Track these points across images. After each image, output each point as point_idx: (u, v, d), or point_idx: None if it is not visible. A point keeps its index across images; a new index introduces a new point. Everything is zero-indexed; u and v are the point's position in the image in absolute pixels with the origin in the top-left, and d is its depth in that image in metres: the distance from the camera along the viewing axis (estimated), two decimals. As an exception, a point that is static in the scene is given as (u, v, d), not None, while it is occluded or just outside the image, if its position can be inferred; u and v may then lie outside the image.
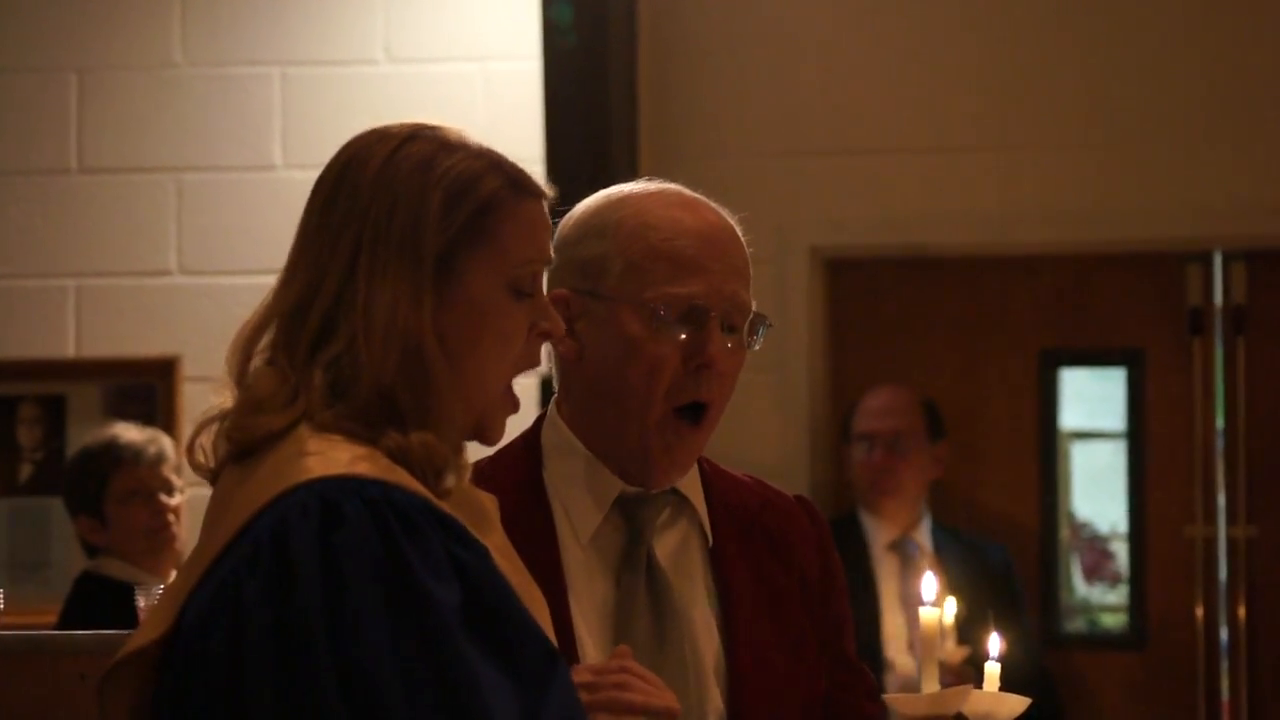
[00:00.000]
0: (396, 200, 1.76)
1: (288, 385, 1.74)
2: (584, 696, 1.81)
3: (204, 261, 4.91)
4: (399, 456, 1.72)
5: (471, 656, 1.63)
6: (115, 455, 4.11)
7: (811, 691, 2.18)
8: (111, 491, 4.08)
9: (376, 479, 1.69)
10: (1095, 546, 5.10)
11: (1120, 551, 5.07)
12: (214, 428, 1.77)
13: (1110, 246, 5.00)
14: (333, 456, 1.70)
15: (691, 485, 2.20)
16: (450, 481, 1.76)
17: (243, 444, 1.74)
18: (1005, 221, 4.95)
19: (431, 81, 4.86)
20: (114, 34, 4.95)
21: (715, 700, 2.12)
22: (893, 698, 2.09)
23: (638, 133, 4.89)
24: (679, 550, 2.17)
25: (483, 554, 1.71)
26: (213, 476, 1.78)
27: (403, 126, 1.82)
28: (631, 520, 2.15)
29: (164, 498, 4.10)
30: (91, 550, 4.14)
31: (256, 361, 1.77)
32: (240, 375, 1.77)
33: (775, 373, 4.94)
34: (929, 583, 2.11)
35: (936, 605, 2.07)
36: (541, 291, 1.84)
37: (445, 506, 1.73)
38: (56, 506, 4.62)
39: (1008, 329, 5.07)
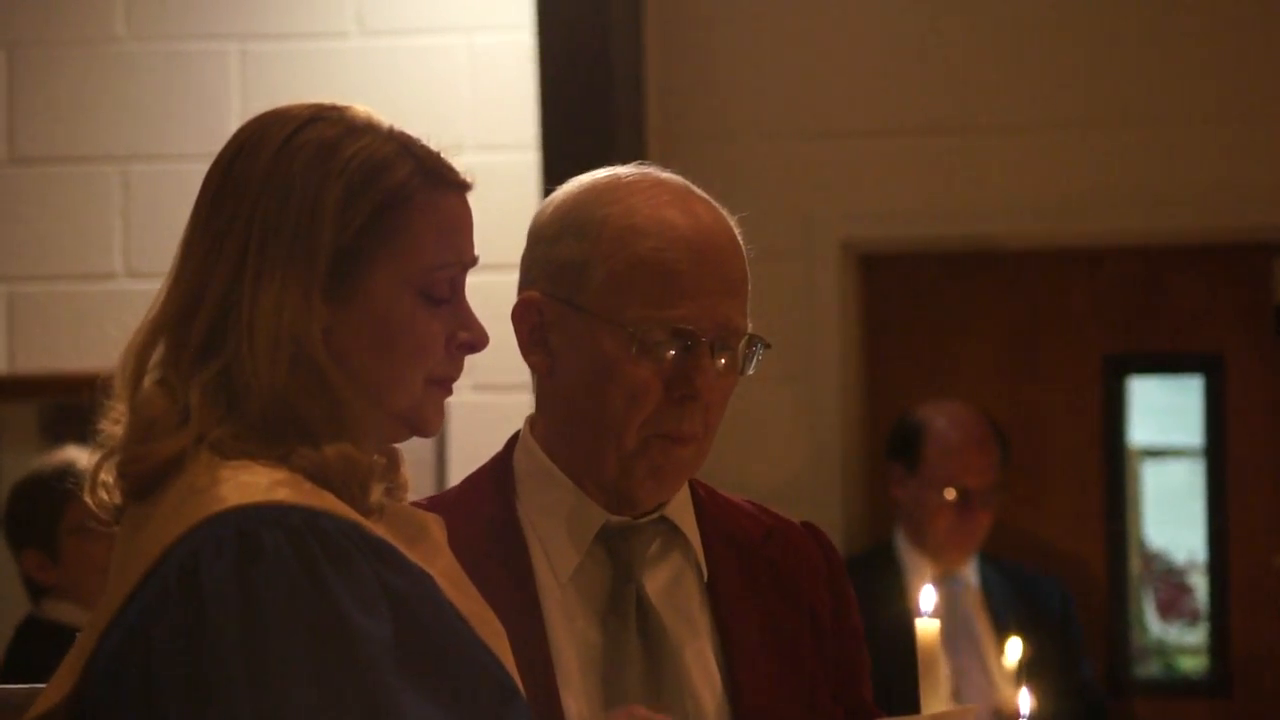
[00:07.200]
0: (290, 191, 1.76)
1: (178, 406, 1.75)
2: None
3: (153, 263, 4.89)
4: (317, 475, 1.73)
5: (405, 697, 1.65)
6: (73, 482, 4.08)
7: None
8: (67, 523, 4.06)
9: (299, 505, 1.70)
10: (1170, 579, 5.08)
11: (1199, 585, 5.06)
12: (113, 461, 1.78)
13: (1184, 237, 4.99)
14: (249, 482, 1.71)
15: (683, 513, 2.19)
16: (378, 494, 1.78)
17: (138, 477, 1.76)
18: (1064, 210, 4.94)
19: (410, 56, 4.86)
20: (48, 4, 4.94)
21: None
22: None
23: (644, 112, 4.88)
24: (672, 587, 2.17)
25: (422, 581, 1.73)
26: (117, 515, 1.80)
27: (303, 107, 1.82)
28: (617, 555, 2.15)
29: None
30: (37, 591, 4.12)
31: (148, 379, 1.78)
32: (132, 397, 1.78)
33: (802, 382, 4.93)
34: (927, 594, 2.12)
35: (935, 616, 2.10)
36: (463, 295, 1.84)
37: (380, 529, 1.75)
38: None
39: (1067, 332, 5.06)
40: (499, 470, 2.20)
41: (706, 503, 2.22)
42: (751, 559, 2.20)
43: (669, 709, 2.09)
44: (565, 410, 2.15)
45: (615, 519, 2.15)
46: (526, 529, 2.15)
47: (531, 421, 2.20)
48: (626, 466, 2.12)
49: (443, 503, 2.12)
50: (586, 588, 2.14)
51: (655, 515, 2.17)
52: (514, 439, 2.21)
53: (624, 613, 2.12)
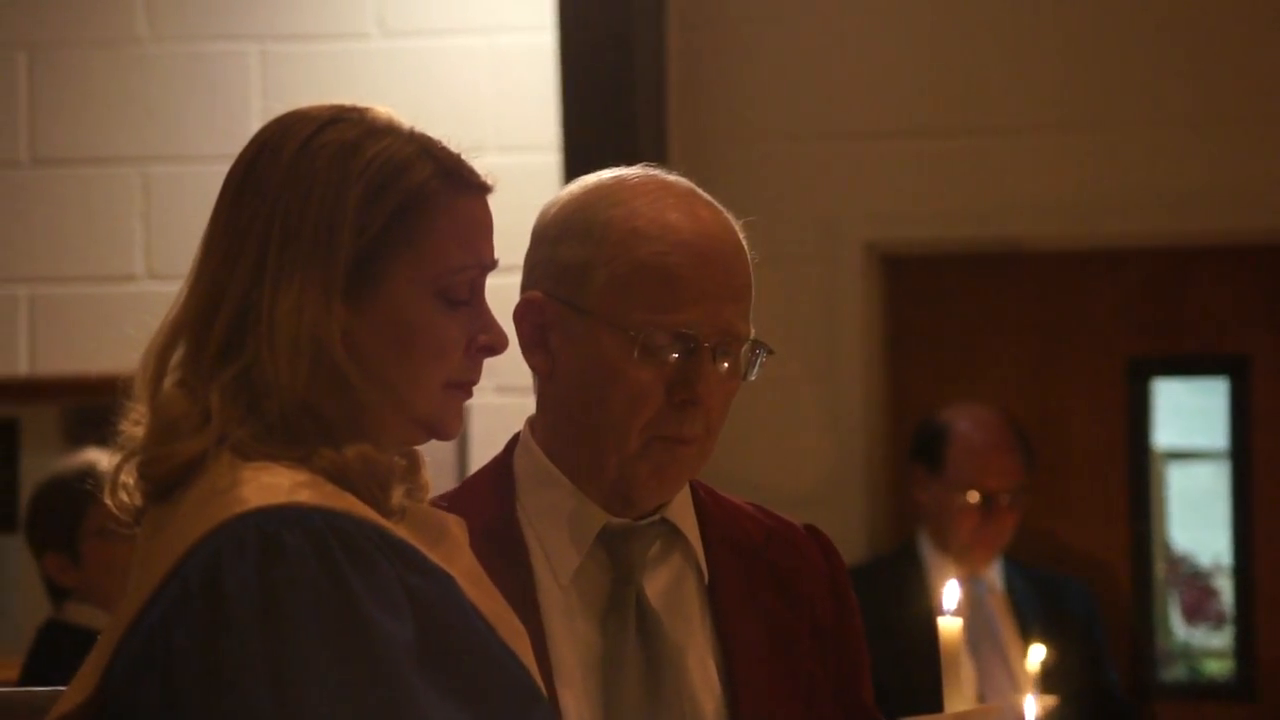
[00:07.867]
0: (310, 192, 1.77)
1: (198, 407, 1.76)
2: None
3: (174, 265, 4.90)
4: (338, 476, 1.74)
5: (426, 697, 1.66)
6: (94, 484, 4.09)
7: None
8: (88, 525, 4.07)
9: (320, 506, 1.71)
10: (1196, 583, 5.07)
11: (1225, 588, 5.04)
12: (134, 462, 1.79)
13: (1210, 238, 4.97)
14: (270, 484, 1.72)
15: (684, 514, 2.19)
16: (399, 496, 1.79)
17: (159, 479, 1.77)
18: (1088, 210, 4.93)
19: (431, 57, 4.86)
20: (69, 5, 4.94)
21: None
22: None
23: (666, 114, 4.88)
24: (672, 589, 2.17)
25: (444, 582, 1.74)
26: (138, 517, 1.81)
27: (324, 108, 1.83)
28: (617, 556, 2.15)
29: None
30: (59, 594, 4.13)
31: (169, 381, 1.79)
32: (153, 398, 1.78)
33: (825, 385, 4.93)
34: (951, 591, 2.12)
35: (958, 615, 2.10)
36: (482, 298, 1.84)
37: (401, 530, 1.76)
38: (12, 547, 4.60)
39: (1091, 334, 5.05)
40: (499, 471, 2.20)
41: (707, 504, 2.22)
42: (752, 561, 2.20)
43: (667, 711, 2.10)
44: (566, 412, 2.15)
45: (616, 520, 2.15)
46: (526, 530, 2.15)
47: (532, 422, 2.20)
48: (628, 468, 2.12)
49: (442, 504, 2.10)
50: (586, 589, 2.14)
51: (656, 517, 2.17)
52: (514, 440, 2.22)
53: (624, 615, 2.12)
